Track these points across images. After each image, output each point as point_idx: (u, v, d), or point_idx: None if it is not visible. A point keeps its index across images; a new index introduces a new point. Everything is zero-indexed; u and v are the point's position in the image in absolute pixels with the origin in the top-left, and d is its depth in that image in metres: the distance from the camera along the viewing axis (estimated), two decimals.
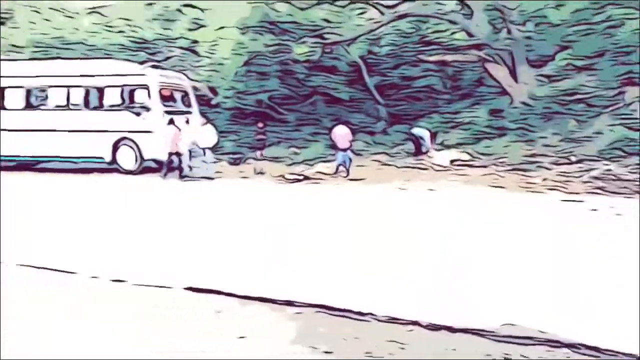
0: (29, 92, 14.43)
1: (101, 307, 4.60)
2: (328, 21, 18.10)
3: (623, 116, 13.00)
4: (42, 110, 14.34)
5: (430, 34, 17.94)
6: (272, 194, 10.87)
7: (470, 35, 16.46)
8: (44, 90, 14.38)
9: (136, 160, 13.76)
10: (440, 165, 13.30)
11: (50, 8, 21.43)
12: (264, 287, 4.94)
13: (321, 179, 12.68)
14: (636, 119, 12.59)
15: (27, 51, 19.66)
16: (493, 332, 3.97)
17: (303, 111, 18.18)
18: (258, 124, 15.40)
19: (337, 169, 13.15)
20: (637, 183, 10.43)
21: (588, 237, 6.82)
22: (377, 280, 5.27)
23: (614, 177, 10.88)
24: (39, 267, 5.66)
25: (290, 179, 12.55)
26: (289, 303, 4.60)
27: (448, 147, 14.61)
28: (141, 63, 15.07)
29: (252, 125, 16.48)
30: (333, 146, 13.70)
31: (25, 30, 20.44)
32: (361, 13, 18.72)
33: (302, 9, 17.62)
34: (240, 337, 3.96)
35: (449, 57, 16.95)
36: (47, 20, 20.98)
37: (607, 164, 11.53)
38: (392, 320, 4.26)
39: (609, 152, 12.01)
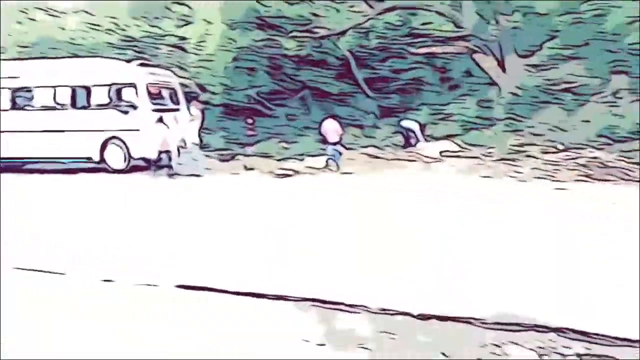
0: (14, 93, 14.29)
1: (93, 307, 4.60)
2: (317, 15, 18.04)
3: (609, 104, 13.12)
4: (29, 110, 14.22)
5: (419, 26, 17.93)
6: (262, 189, 10.89)
7: (458, 26, 16.49)
8: (30, 91, 14.25)
9: (125, 159, 13.69)
10: (430, 157, 13.37)
11: (36, 8, 21.19)
12: (257, 283, 4.97)
13: (311, 173, 12.71)
14: (622, 106, 12.71)
15: (12, 51, 19.44)
16: (484, 319, 4.01)
17: (292, 106, 18.16)
18: (247, 120, 15.38)
19: (327, 162, 13.18)
20: (623, 170, 10.54)
21: (577, 225, 6.91)
22: (372, 272, 5.31)
23: (600, 165, 11.00)
24: (29, 270, 5.64)
25: (280, 174, 12.57)
26: (282, 297, 4.63)
27: (437, 138, 14.67)
28: (128, 61, 14.98)
29: (242, 121, 16.45)
30: (323, 140, 13.71)
31: (10, 30, 20.20)
32: (351, 6, 18.67)
33: (291, 4, 17.55)
34: (233, 334, 3.99)
35: (437, 49, 16.97)
36: (32, 19, 20.75)
37: (593, 152, 11.65)
38: (384, 311, 4.31)
39: (595, 140, 12.14)
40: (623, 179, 10.18)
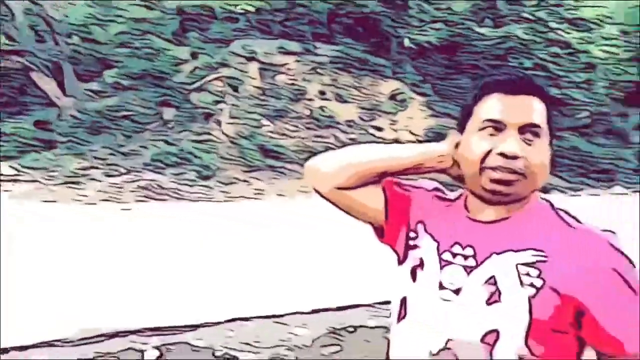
0: None
1: None
2: None
3: (162, 133, 15.03)
4: None
5: None
6: None
7: (11, 39, 15.24)
8: None
9: None
10: None
11: None
12: None
13: None
14: (171, 135, 14.82)
15: None
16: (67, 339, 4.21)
17: None
18: None
19: None
20: (176, 190, 12.39)
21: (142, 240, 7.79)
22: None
23: (157, 186, 12.52)
24: None
25: None
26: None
27: None
28: None
29: None
30: None
31: None
32: None
33: None
34: None
35: None
36: None
37: (150, 174, 13.12)
38: None
39: (152, 164, 13.66)
40: (178, 198, 11.95)
